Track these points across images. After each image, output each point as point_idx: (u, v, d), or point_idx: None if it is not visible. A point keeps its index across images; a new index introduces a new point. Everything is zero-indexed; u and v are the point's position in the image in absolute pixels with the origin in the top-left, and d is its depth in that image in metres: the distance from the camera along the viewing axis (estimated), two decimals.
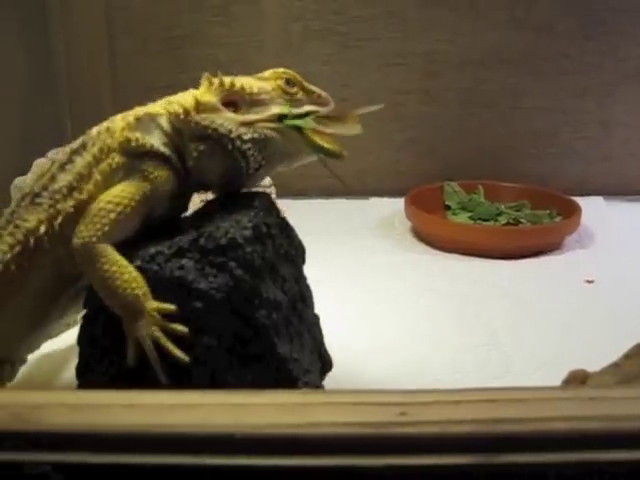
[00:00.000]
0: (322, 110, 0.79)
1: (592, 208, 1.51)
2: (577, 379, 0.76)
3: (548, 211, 1.48)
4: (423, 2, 1.60)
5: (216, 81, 0.76)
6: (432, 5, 1.60)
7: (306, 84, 0.79)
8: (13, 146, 1.39)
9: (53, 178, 0.74)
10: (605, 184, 1.67)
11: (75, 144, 0.75)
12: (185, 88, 0.79)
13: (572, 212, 1.41)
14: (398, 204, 1.49)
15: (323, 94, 0.80)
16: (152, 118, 0.75)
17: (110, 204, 0.69)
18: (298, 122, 0.76)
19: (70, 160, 0.74)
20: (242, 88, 0.76)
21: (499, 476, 0.49)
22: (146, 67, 1.63)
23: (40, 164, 1.35)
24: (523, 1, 1.60)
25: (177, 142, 0.75)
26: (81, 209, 0.71)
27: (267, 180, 1.41)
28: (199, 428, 0.49)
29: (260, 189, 0.82)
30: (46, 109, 1.58)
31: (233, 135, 0.73)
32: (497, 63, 1.63)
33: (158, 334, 0.67)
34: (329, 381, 0.82)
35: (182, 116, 0.74)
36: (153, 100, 0.79)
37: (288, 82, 0.78)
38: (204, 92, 0.76)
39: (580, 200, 1.47)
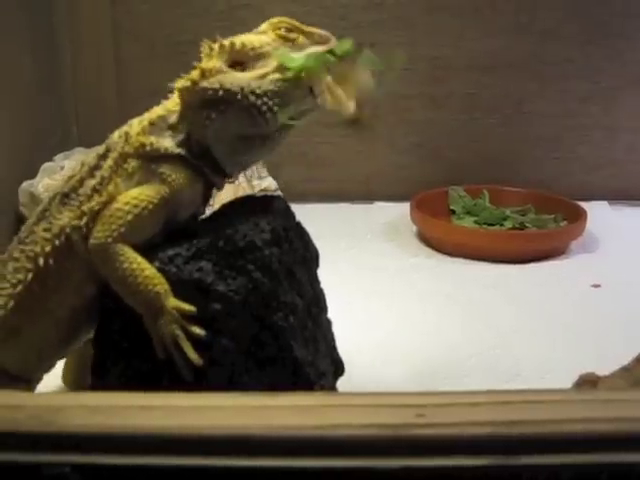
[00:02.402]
0: (324, 48, 0.76)
1: (597, 213, 1.52)
2: (588, 382, 0.76)
3: (553, 216, 1.48)
4: (428, 8, 1.60)
5: (216, 46, 0.75)
6: (437, 11, 1.60)
7: (304, 27, 0.77)
8: (20, 151, 1.39)
9: (82, 181, 0.74)
10: (610, 189, 1.68)
11: (101, 149, 0.76)
12: None
13: (577, 217, 1.42)
14: (403, 208, 1.49)
15: (322, 33, 0.78)
16: (164, 119, 0.75)
17: (127, 205, 0.70)
18: (306, 61, 0.73)
19: (98, 166, 0.74)
20: (243, 45, 0.74)
21: (515, 477, 0.49)
22: (152, 72, 1.63)
23: (48, 168, 1.36)
24: (527, 7, 1.60)
25: (189, 127, 0.74)
26: (102, 211, 0.71)
27: (273, 185, 1.42)
28: (217, 430, 0.50)
29: (267, 193, 0.82)
30: (52, 114, 1.58)
31: (246, 91, 0.72)
32: (502, 68, 1.63)
33: (178, 332, 0.67)
34: (340, 385, 0.82)
35: (191, 88, 0.74)
36: (158, 105, 0.78)
37: (287, 30, 0.76)
38: (207, 60, 0.75)
39: (584, 205, 1.48)
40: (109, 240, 0.68)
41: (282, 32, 0.76)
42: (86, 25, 1.60)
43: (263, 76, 0.73)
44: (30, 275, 0.74)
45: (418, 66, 1.63)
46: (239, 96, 0.72)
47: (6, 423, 0.49)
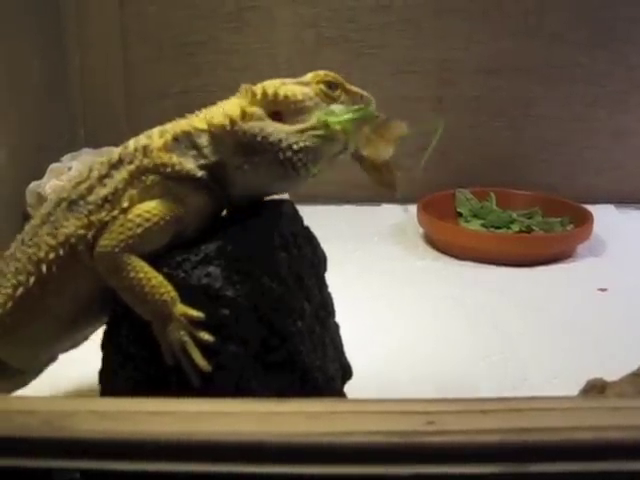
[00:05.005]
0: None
1: (603, 216, 1.51)
2: (595, 388, 0.76)
3: (560, 219, 1.48)
4: (437, 10, 1.60)
5: (259, 92, 0.73)
6: (446, 13, 1.60)
7: (348, 86, 0.76)
8: (28, 151, 1.40)
9: (91, 189, 0.73)
10: (616, 192, 1.67)
11: (113, 157, 0.74)
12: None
13: (584, 220, 1.42)
14: (410, 211, 1.49)
15: (365, 94, 0.77)
16: (190, 137, 0.73)
17: (139, 218, 0.69)
18: (349, 120, 0.73)
19: (109, 175, 0.73)
20: (286, 97, 0.73)
21: None
22: (160, 73, 1.63)
23: (55, 169, 1.36)
24: (535, 10, 1.60)
25: (218, 159, 0.72)
26: (112, 222, 0.70)
27: None
28: (226, 436, 0.50)
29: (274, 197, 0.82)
30: (60, 115, 1.58)
31: (284, 145, 0.71)
32: (509, 71, 1.63)
33: (186, 339, 0.66)
34: (348, 389, 0.82)
35: (229, 127, 0.72)
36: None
37: (330, 85, 0.75)
38: (248, 104, 0.73)
39: (591, 208, 1.47)
40: (116, 250, 0.68)
41: (325, 89, 0.75)
42: (94, 27, 1.60)
43: (302, 131, 0.72)
44: (32, 279, 0.73)
45: (426, 69, 1.63)
46: (276, 148, 0.71)
47: (18, 428, 0.49)
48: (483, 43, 1.62)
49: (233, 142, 0.72)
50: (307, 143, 0.71)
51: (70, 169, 1.36)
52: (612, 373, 0.78)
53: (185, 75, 1.61)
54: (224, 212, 0.77)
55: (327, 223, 1.43)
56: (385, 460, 0.49)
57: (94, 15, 1.60)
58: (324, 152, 0.73)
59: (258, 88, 0.74)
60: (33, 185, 1.36)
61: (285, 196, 1.29)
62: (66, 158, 1.43)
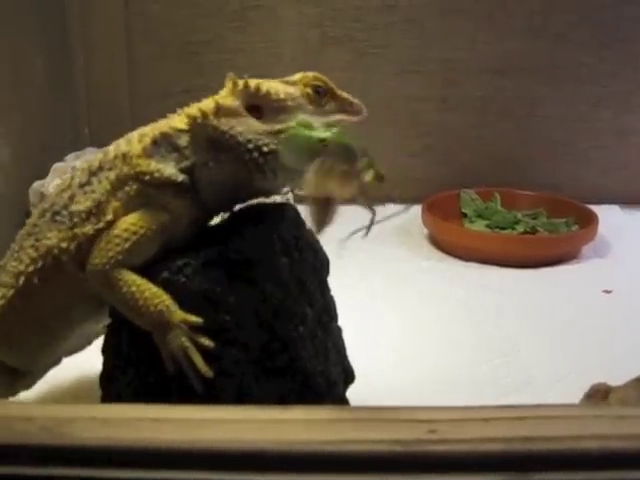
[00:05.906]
0: (353, 119, 0.75)
1: (608, 217, 1.50)
2: (599, 393, 0.76)
3: (565, 219, 1.47)
4: (441, 10, 1.59)
5: (241, 83, 0.71)
6: (450, 13, 1.59)
7: (337, 91, 0.74)
8: (31, 151, 1.39)
9: (73, 198, 0.72)
10: (621, 192, 1.67)
11: (94, 165, 0.73)
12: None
13: (589, 221, 1.41)
14: (415, 211, 1.49)
15: (355, 101, 0.75)
16: (170, 139, 0.71)
17: (126, 232, 0.68)
18: (315, 134, 0.68)
19: (89, 182, 0.72)
20: (268, 93, 0.71)
21: None
22: (164, 72, 1.63)
23: (59, 168, 1.36)
24: (540, 10, 1.59)
25: (195, 158, 0.71)
26: (99, 236, 0.69)
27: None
28: (228, 444, 0.49)
29: (278, 196, 0.81)
30: (64, 114, 1.58)
31: (252, 146, 0.68)
32: (514, 71, 1.63)
33: (187, 344, 0.66)
34: (351, 392, 0.81)
35: (200, 119, 0.70)
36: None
37: (318, 89, 0.73)
38: (226, 95, 0.71)
39: (596, 208, 1.47)
40: (107, 267, 0.67)
41: (312, 93, 0.73)
42: (99, 26, 1.60)
43: (277, 133, 0.69)
44: (12, 291, 0.74)
45: (431, 69, 1.62)
46: (242, 148, 0.69)
47: (17, 435, 0.49)
48: (488, 43, 1.61)
49: (204, 137, 0.70)
50: (279, 147, 0.69)
51: (74, 168, 1.35)
52: (616, 376, 0.78)
53: (189, 74, 1.61)
54: (218, 219, 0.76)
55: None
56: (386, 469, 0.49)
57: (98, 14, 1.59)
58: (295, 159, 0.69)
59: (242, 80, 0.72)
60: (36, 184, 1.35)
61: (289, 195, 1.29)
62: (70, 157, 1.43)
